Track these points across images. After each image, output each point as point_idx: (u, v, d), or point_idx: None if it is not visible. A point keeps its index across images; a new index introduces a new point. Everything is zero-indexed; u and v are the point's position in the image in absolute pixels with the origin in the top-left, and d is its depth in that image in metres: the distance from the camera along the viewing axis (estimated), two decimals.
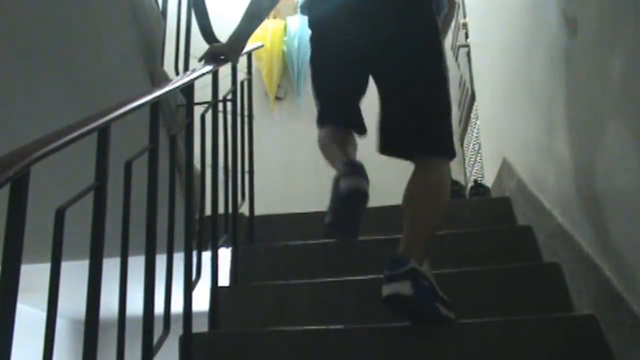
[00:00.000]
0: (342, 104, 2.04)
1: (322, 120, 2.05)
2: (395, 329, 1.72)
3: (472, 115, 3.76)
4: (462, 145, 4.29)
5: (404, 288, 1.61)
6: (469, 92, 3.67)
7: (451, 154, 1.83)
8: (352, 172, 1.74)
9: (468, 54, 3.61)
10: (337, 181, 1.76)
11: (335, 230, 1.84)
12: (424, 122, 1.80)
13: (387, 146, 1.87)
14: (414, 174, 1.82)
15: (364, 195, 1.75)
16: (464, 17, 3.68)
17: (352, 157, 1.87)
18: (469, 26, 3.58)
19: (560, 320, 1.69)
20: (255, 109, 2.90)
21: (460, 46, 3.84)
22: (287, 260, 2.32)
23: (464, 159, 4.22)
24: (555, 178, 1.97)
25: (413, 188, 1.81)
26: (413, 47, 1.82)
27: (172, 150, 1.86)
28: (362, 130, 2.03)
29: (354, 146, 2.00)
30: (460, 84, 4.12)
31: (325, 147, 1.97)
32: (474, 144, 3.80)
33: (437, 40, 1.85)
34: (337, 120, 2.02)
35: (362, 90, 2.02)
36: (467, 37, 3.63)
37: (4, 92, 2.32)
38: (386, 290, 1.62)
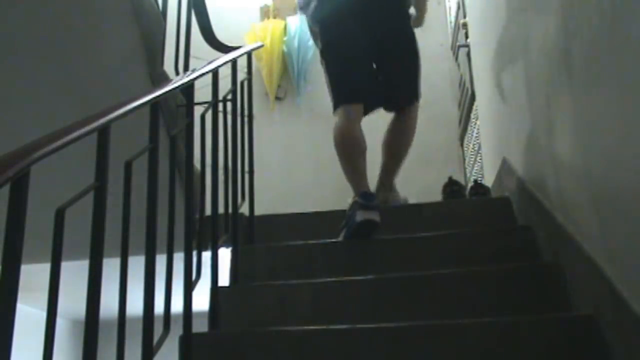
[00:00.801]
0: (359, 81, 2.64)
1: (340, 99, 2.57)
2: (395, 329, 1.72)
3: (472, 115, 3.76)
4: (462, 145, 4.29)
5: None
6: (469, 92, 3.67)
7: (414, 101, 2.70)
8: (368, 207, 2.30)
9: (468, 54, 3.60)
10: (354, 209, 2.32)
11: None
12: (413, 87, 2.69)
13: (390, 103, 2.69)
14: (396, 119, 2.69)
15: (375, 226, 2.30)
16: (464, 17, 3.67)
17: (367, 186, 2.44)
18: (469, 26, 3.58)
19: (560, 320, 1.69)
20: (255, 109, 2.90)
21: (460, 46, 3.84)
22: (287, 260, 2.32)
23: (464, 159, 4.22)
24: (555, 178, 1.97)
25: (397, 130, 2.68)
26: (402, 42, 2.69)
27: (172, 150, 1.86)
28: (382, 106, 2.71)
29: (365, 152, 2.52)
30: (460, 84, 4.12)
31: (341, 150, 2.53)
32: (474, 144, 3.80)
33: (414, 35, 2.72)
34: (355, 98, 2.58)
35: (372, 71, 2.67)
36: (467, 37, 3.63)
37: (4, 92, 2.32)
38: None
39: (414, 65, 2.70)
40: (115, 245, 1.43)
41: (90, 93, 2.31)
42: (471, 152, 3.92)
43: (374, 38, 2.64)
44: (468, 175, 4.05)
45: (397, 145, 2.70)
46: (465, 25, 3.65)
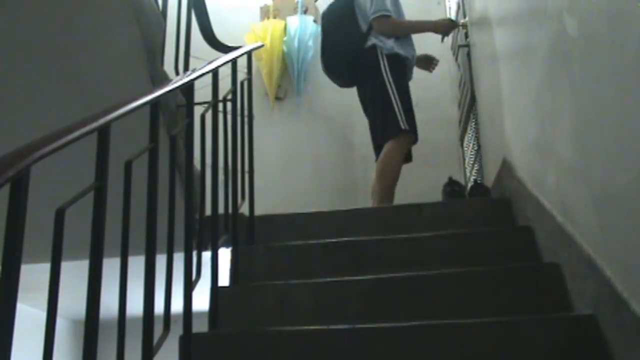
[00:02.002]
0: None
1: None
2: (395, 329, 1.72)
3: (472, 116, 3.76)
4: (462, 145, 4.28)
5: None
6: (469, 92, 3.66)
7: (395, 135, 3.13)
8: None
9: (468, 54, 3.60)
10: None
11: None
12: (382, 128, 3.20)
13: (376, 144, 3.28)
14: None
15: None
16: (464, 17, 3.67)
17: None
18: (469, 26, 3.58)
19: (560, 320, 1.69)
20: (255, 109, 2.90)
21: (460, 46, 3.83)
22: (287, 260, 2.32)
23: (464, 159, 4.22)
24: (555, 178, 1.97)
25: (378, 163, 3.15)
26: (371, 91, 3.25)
27: (172, 150, 1.86)
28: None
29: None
30: (460, 84, 4.11)
31: None
32: (474, 144, 3.80)
33: (385, 85, 3.19)
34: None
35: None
36: (467, 37, 3.63)
37: (4, 92, 2.32)
38: None
39: (380, 108, 3.17)
40: (115, 245, 1.43)
41: (90, 93, 2.31)
42: (471, 152, 3.92)
43: (360, 90, 3.38)
44: (468, 175, 4.05)
45: (376, 174, 3.15)
46: (465, 25, 3.65)
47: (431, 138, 3.46)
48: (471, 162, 3.92)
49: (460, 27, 3.63)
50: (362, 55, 3.29)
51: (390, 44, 3.27)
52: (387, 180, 3.08)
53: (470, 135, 3.91)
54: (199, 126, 2.09)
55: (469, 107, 3.74)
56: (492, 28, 2.84)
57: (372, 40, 3.28)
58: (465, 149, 4.15)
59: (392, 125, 3.13)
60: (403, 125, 3.12)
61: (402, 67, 3.31)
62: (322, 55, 3.48)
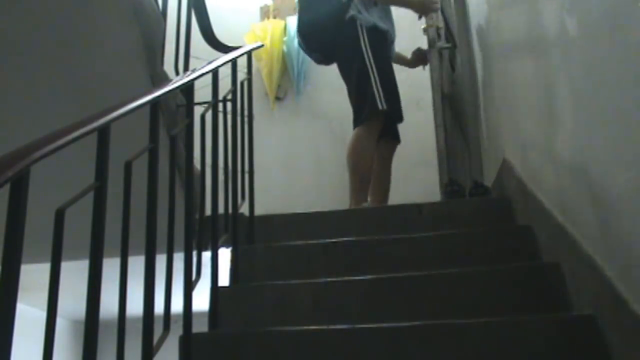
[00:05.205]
0: None
1: None
2: (396, 329, 1.72)
3: None
4: None
5: None
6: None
7: (369, 117, 3.01)
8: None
9: None
10: None
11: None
12: (360, 108, 3.06)
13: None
14: None
15: None
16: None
17: None
18: (469, 26, 3.57)
19: (560, 320, 1.69)
20: (255, 109, 2.90)
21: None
22: (287, 260, 2.32)
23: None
24: (555, 178, 1.97)
25: (348, 155, 3.03)
26: (351, 68, 3.12)
27: (172, 150, 1.86)
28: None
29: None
30: None
31: None
32: None
33: (363, 60, 3.06)
34: None
35: None
36: None
37: (4, 92, 2.32)
38: None
39: (357, 86, 3.06)
40: (115, 245, 1.43)
41: (90, 93, 2.31)
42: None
43: (339, 67, 3.25)
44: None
45: (349, 168, 3.01)
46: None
47: (431, 138, 3.46)
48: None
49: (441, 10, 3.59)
50: (341, 27, 3.14)
51: (368, 17, 3.14)
52: (363, 173, 2.92)
53: None
54: (199, 126, 2.09)
55: None
56: (492, 27, 2.84)
57: (351, 12, 3.14)
58: None
59: (369, 105, 2.97)
60: (381, 105, 2.96)
61: (382, 40, 3.18)
62: (300, 27, 3.31)
